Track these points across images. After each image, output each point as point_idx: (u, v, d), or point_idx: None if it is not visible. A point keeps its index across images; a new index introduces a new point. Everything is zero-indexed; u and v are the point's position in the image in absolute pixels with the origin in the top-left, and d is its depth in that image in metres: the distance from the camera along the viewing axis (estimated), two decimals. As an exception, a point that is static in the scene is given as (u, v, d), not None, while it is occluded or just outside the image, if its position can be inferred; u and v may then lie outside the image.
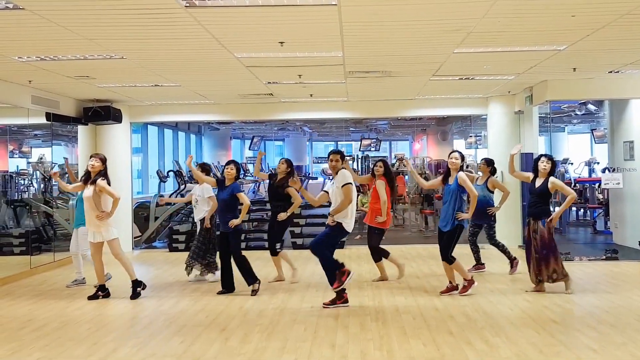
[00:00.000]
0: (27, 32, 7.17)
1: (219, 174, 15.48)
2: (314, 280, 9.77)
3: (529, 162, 12.61)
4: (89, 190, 8.38)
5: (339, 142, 26.38)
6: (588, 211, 16.57)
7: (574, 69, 10.12)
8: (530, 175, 8.59)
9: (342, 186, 7.75)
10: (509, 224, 12.71)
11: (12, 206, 13.53)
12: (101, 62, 8.83)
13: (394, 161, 19.59)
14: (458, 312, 7.48)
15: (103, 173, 8.46)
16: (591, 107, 15.97)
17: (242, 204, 8.71)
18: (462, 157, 8.43)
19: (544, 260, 8.37)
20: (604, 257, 11.39)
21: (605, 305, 7.70)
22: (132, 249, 13.94)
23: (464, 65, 9.70)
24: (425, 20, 6.90)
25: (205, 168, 9.81)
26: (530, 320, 7.03)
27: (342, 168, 8.00)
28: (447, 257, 8.36)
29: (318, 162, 24.64)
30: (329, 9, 6.34)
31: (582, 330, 6.60)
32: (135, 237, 14.22)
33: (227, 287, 8.83)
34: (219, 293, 8.76)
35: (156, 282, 9.95)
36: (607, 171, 13.26)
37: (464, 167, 8.58)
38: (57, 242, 12.57)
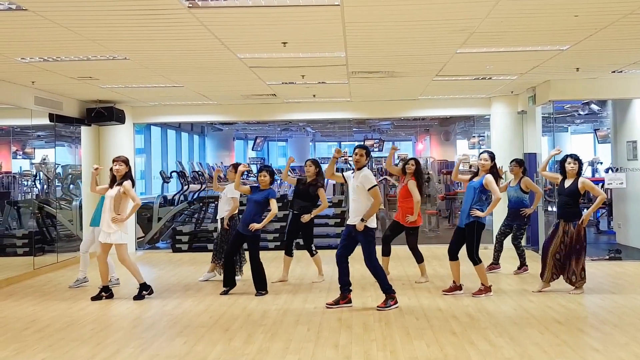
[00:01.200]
0: (30, 33, 7.18)
1: (221, 175, 15.50)
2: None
3: (532, 162, 12.65)
4: (113, 190, 8.53)
5: (342, 143, 26.38)
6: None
7: (577, 68, 10.11)
8: (559, 176, 8.58)
9: (369, 189, 7.63)
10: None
11: (16, 207, 13.57)
12: (104, 62, 8.84)
13: (397, 161, 19.58)
14: (461, 312, 7.48)
15: (129, 175, 8.61)
16: (594, 107, 15.95)
17: (269, 211, 8.73)
18: (492, 158, 8.38)
19: (569, 260, 8.38)
20: (607, 257, 11.37)
21: (608, 306, 7.69)
22: (135, 249, 13.95)
23: (467, 66, 9.69)
24: (428, 20, 6.90)
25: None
26: (534, 320, 7.03)
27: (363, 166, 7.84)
28: (473, 258, 8.31)
29: (322, 162, 24.62)
30: (332, 9, 6.33)
31: (586, 330, 6.61)
32: (138, 238, 14.24)
33: (229, 284, 8.85)
34: (222, 293, 8.77)
35: (159, 282, 9.95)
36: (610, 171, 13.24)
37: (497, 168, 8.57)
38: (60, 243, 12.60)
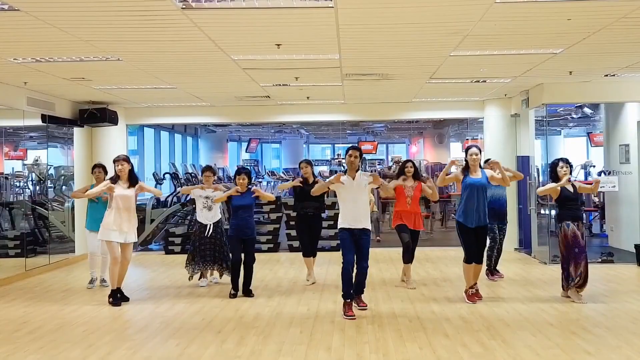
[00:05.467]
0: (22, 34, 7.15)
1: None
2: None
3: (525, 165, 12.68)
4: (129, 191, 8.45)
5: (335, 145, 26.40)
6: (584, 214, 16.53)
7: (570, 72, 10.13)
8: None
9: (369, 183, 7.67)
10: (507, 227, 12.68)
11: (8, 208, 13.50)
12: (97, 63, 8.81)
13: (390, 164, 19.57)
14: (454, 315, 7.48)
15: (134, 172, 8.65)
16: (587, 110, 15.99)
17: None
18: (480, 151, 8.28)
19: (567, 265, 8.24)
20: (600, 259, 11.37)
21: (601, 308, 7.71)
22: (128, 251, 13.89)
23: (461, 68, 9.69)
24: (421, 23, 6.90)
25: (213, 171, 9.91)
26: (527, 323, 7.04)
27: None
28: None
29: (315, 165, 24.62)
30: (326, 12, 6.33)
31: (578, 333, 6.61)
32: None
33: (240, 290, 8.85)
34: (232, 296, 8.73)
35: (152, 284, 9.94)
36: (602, 174, 13.27)
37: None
38: (52, 245, 12.54)
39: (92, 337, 6.74)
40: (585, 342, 6.24)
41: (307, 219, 9.71)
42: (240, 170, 8.95)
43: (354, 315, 7.43)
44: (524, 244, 12.88)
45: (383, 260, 11.68)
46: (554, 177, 8.28)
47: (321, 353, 6.02)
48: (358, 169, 7.75)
